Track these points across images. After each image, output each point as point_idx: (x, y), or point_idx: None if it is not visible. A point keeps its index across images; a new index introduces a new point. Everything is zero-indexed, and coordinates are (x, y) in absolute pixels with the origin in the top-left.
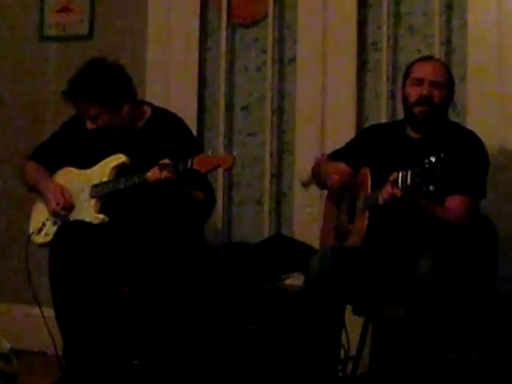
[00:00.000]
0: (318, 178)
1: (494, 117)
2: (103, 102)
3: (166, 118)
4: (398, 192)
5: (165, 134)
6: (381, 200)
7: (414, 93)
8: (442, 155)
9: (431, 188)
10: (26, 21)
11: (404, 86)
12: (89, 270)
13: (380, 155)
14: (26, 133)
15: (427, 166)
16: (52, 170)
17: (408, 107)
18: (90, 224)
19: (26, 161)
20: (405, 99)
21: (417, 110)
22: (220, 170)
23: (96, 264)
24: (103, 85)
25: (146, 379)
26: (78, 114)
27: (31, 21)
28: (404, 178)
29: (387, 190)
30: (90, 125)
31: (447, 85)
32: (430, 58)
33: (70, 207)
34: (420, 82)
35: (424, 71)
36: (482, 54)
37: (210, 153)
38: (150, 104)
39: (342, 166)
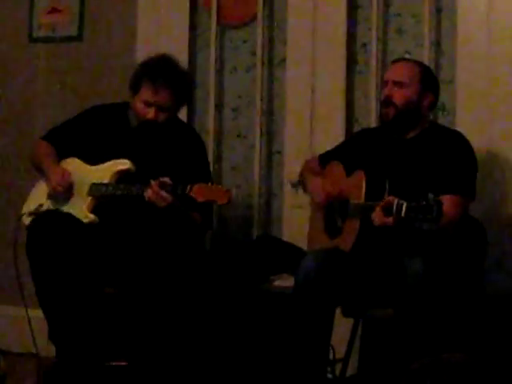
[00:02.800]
0: (302, 183)
1: (483, 118)
2: (180, 99)
3: (186, 133)
4: (390, 222)
5: (180, 149)
6: (374, 223)
7: (381, 94)
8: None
9: (425, 227)
10: (15, 22)
11: None
12: (68, 265)
13: (370, 158)
14: (15, 133)
15: (424, 203)
16: (61, 155)
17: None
18: (74, 218)
19: (38, 140)
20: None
21: (381, 112)
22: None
23: (77, 261)
24: (189, 83)
25: (134, 380)
26: (95, 107)
27: (20, 22)
28: (398, 208)
29: (380, 219)
30: (152, 113)
31: (413, 84)
32: (399, 59)
33: (68, 187)
34: (386, 83)
35: (388, 73)
36: (471, 56)
37: (210, 184)
38: None
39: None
